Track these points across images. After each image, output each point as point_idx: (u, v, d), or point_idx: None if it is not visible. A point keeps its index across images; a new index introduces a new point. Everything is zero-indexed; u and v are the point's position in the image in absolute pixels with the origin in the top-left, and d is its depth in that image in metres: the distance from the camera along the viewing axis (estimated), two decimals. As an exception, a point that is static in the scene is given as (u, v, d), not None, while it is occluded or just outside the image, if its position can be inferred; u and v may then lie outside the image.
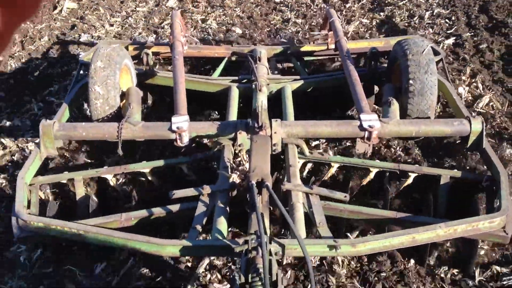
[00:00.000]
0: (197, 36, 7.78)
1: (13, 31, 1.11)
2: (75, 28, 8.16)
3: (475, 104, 5.75)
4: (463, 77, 6.19)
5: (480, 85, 6.07)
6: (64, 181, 4.20)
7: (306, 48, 6.13)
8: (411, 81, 4.58)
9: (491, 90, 5.96)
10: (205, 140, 5.03)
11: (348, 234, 4.15)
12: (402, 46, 4.87)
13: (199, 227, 3.50)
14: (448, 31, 7.58)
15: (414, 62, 4.65)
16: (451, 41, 7.24)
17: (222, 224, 3.47)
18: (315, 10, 8.57)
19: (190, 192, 3.75)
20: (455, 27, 7.65)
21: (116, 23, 8.40)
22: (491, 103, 5.77)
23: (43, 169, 4.56)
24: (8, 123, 5.84)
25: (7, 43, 1.11)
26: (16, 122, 5.87)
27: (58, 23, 8.37)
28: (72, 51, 7.42)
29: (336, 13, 5.95)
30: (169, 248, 3.36)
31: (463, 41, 7.17)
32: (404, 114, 4.58)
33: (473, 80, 6.18)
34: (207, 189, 3.74)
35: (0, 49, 1.10)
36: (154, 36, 7.90)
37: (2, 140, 5.52)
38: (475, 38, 7.25)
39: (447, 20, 7.92)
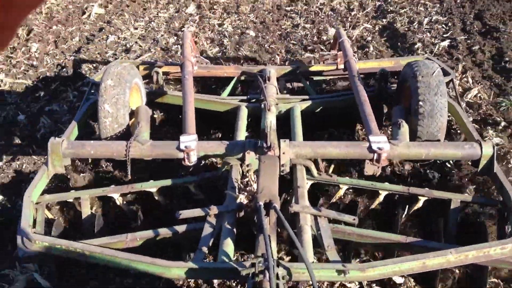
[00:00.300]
0: (214, 38, 7.25)
1: (16, 24, 0.99)
2: (103, 30, 7.66)
3: (464, 95, 5.43)
4: (456, 74, 5.67)
5: (470, 80, 5.74)
6: (71, 200, 3.59)
7: (315, 68, 5.37)
8: (420, 103, 3.87)
9: (480, 84, 5.67)
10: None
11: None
12: (412, 68, 4.14)
13: (205, 249, 2.94)
14: (444, 35, 7.01)
15: (424, 83, 3.94)
16: (446, 43, 6.73)
17: (228, 246, 2.91)
18: (322, 17, 7.88)
19: (197, 212, 3.16)
20: (451, 31, 7.07)
21: (140, 26, 7.79)
22: (479, 95, 5.46)
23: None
24: (47, 108, 5.71)
25: (11, 36, 1.00)
26: (54, 107, 5.71)
27: (87, 26, 7.84)
28: (100, 50, 6.99)
29: (345, 33, 5.23)
30: (174, 270, 2.80)
31: (457, 43, 6.68)
32: (413, 136, 3.89)
33: (464, 76, 5.83)
34: (214, 210, 3.15)
35: (5, 42, 1.00)
36: (175, 38, 7.31)
37: (44, 121, 5.41)
38: (469, 41, 6.75)
39: (443, 26, 7.32)
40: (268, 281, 2.45)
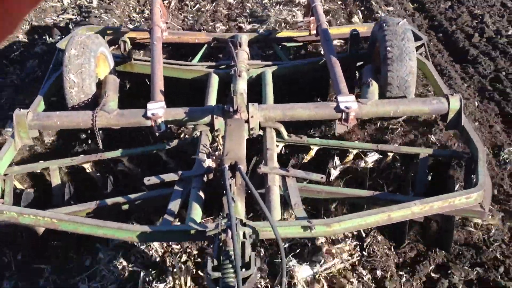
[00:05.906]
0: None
1: (25, 11, 1.05)
2: None
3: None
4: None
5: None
6: (39, 171, 3.67)
7: (287, 33, 5.47)
8: (388, 48, 3.99)
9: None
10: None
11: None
12: (379, 24, 4.28)
13: (173, 213, 3.04)
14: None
15: (391, 31, 4.08)
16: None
17: (196, 209, 3.00)
18: None
19: (164, 178, 3.25)
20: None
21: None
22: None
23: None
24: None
25: (18, 22, 1.04)
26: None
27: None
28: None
29: None
30: (141, 234, 2.88)
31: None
32: (385, 84, 3.99)
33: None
34: (182, 175, 3.24)
35: (10, 28, 1.03)
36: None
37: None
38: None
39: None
40: (231, 239, 2.52)
